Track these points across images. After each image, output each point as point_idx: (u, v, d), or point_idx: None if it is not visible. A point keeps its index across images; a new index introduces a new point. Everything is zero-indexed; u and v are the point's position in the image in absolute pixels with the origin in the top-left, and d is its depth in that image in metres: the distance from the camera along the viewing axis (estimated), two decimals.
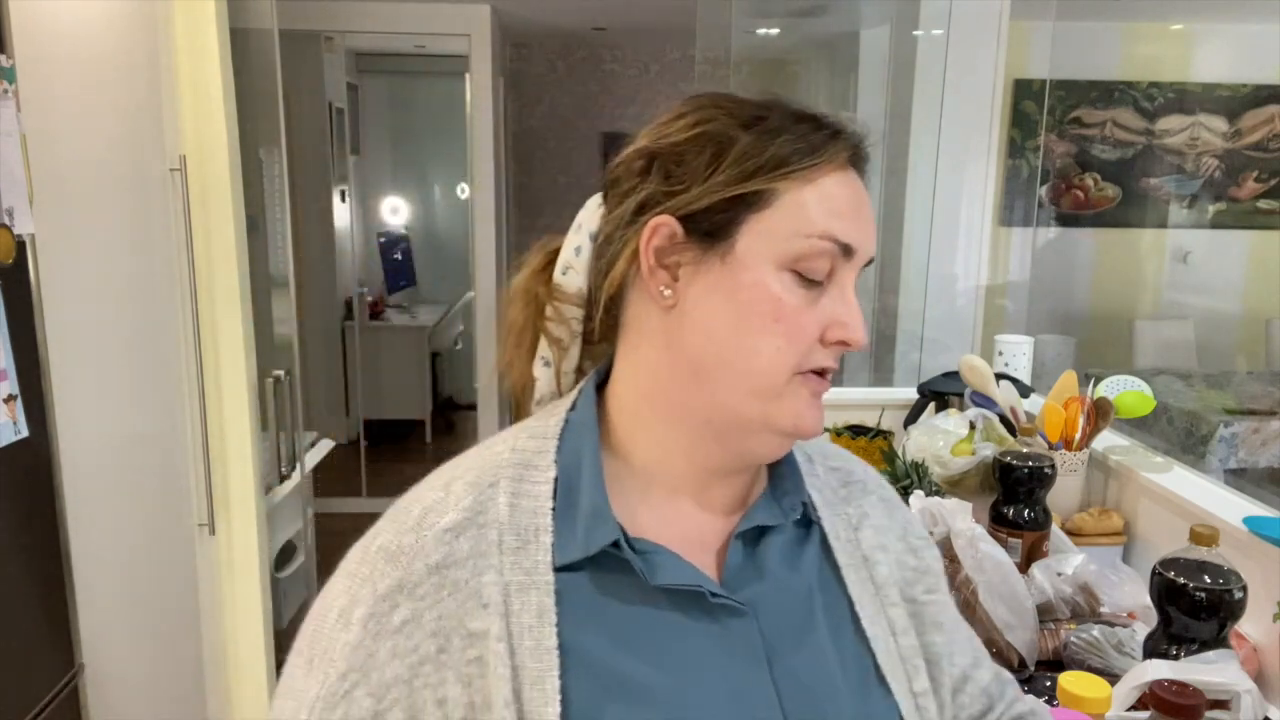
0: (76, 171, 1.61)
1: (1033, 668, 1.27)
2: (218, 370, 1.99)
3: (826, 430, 1.97)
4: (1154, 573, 1.14)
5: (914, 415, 2.02)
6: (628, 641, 0.62)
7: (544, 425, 0.69)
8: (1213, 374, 3.91)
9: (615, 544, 0.63)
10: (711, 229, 0.64)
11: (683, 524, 0.68)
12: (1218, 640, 1.11)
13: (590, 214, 0.72)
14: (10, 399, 1.37)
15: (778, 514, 0.70)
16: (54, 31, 1.54)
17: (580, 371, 0.76)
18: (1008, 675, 0.82)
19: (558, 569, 0.62)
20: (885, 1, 2.88)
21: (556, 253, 0.74)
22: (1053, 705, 1.06)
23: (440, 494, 0.65)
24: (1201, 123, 4.51)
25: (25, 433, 1.40)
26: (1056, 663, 1.29)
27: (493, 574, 0.61)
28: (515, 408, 0.78)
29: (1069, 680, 1.06)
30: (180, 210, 1.87)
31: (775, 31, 3.55)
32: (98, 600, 1.61)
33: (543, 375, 0.75)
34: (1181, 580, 1.11)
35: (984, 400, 1.83)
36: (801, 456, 0.75)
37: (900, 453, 1.71)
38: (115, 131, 1.73)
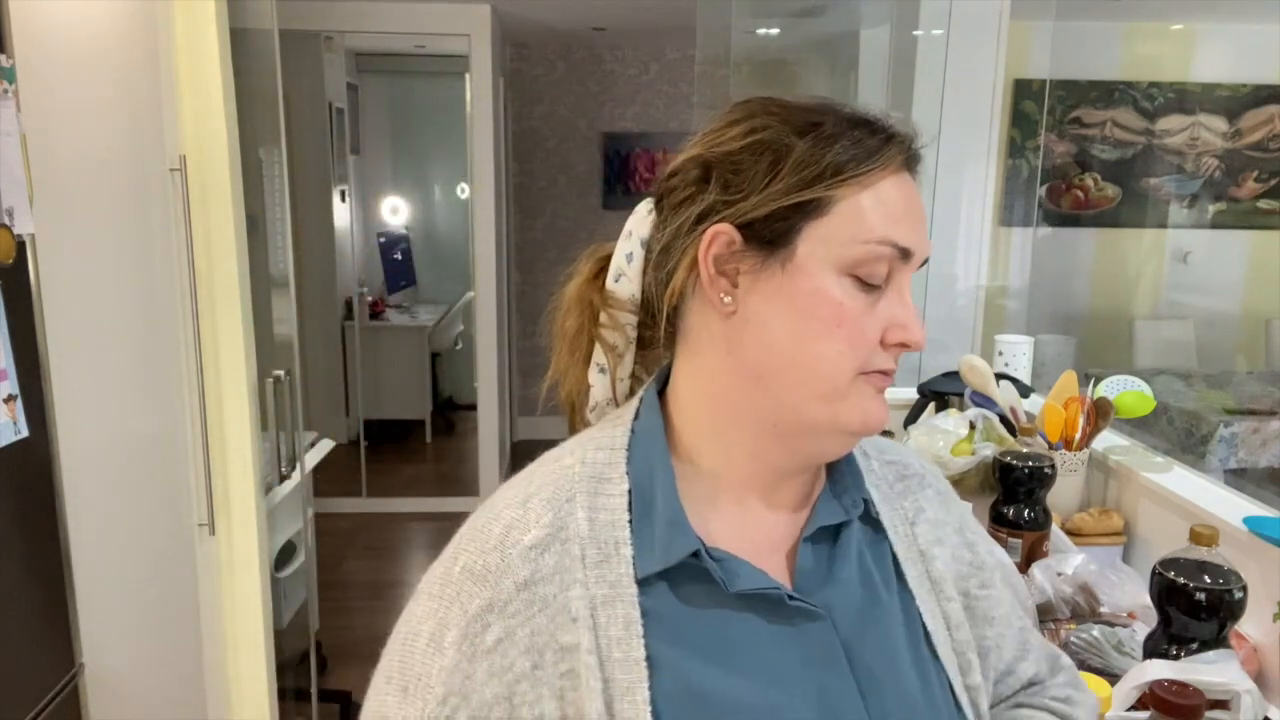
0: (76, 171, 1.61)
1: None
2: (218, 370, 1.99)
3: None
4: (1154, 573, 1.14)
5: (914, 415, 2.02)
6: (711, 649, 0.63)
7: (610, 436, 0.69)
8: (1213, 374, 3.91)
9: (694, 553, 0.63)
10: (771, 236, 0.64)
11: (752, 529, 0.69)
12: (1218, 640, 1.11)
13: (640, 220, 0.72)
14: (10, 399, 1.37)
15: (839, 511, 0.70)
16: (54, 31, 1.54)
17: (635, 378, 0.77)
18: (1066, 662, 0.83)
19: (640, 580, 0.63)
20: (885, 1, 2.88)
21: (607, 260, 0.74)
22: None
23: (519, 511, 0.65)
24: (1201, 123, 4.51)
25: (25, 433, 1.40)
26: None
27: (579, 588, 0.62)
28: (570, 416, 0.78)
29: None
30: (180, 210, 1.87)
31: (775, 31, 3.55)
32: (98, 600, 1.61)
33: (598, 382, 0.75)
34: (1181, 580, 1.11)
35: (984, 400, 1.83)
36: (857, 452, 0.76)
37: None
38: (115, 131, 1.73)
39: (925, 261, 0.68)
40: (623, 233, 0.73)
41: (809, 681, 0.64)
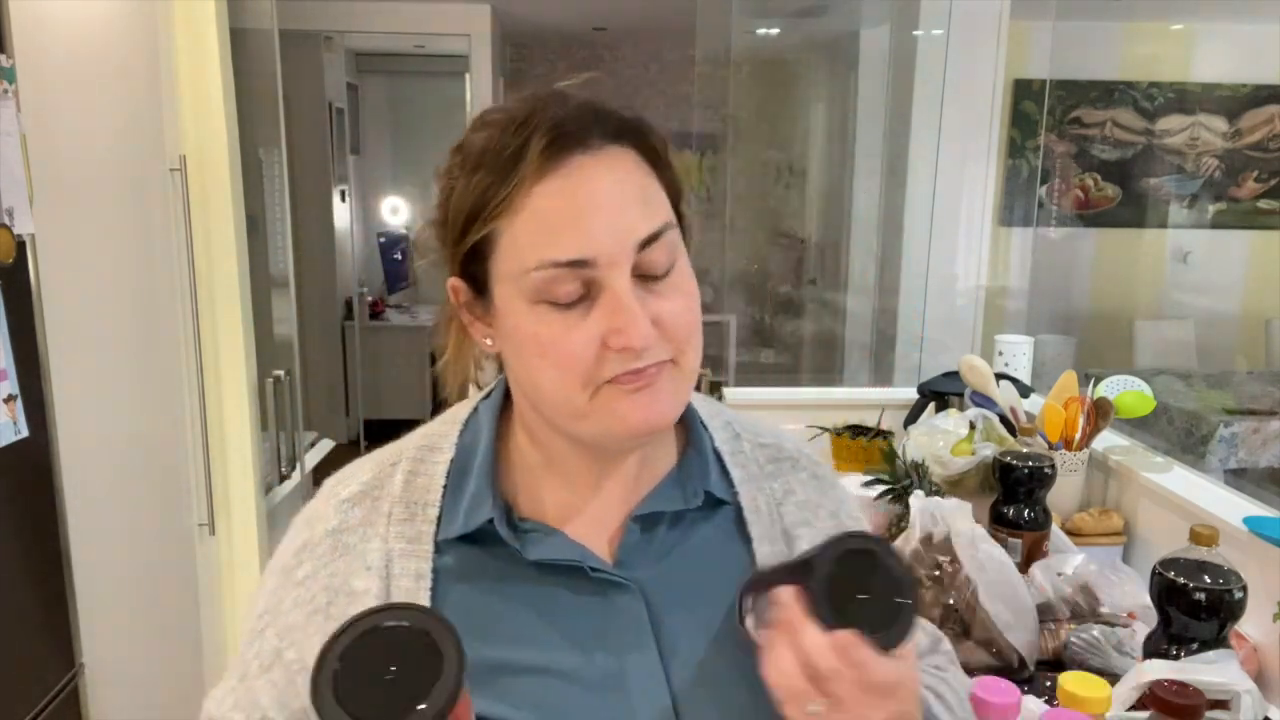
0: (76, 171, 1.61)
1: (1033, 668, 1.27)
2: (218, 370, 1.99)
3: (826, 430, 1.97)
4: (1154, 573, 1.14)
5: (914, 415, 2.02)
6: (507, 614, 0.66)
7: (457, 411, 0.75)
8: (1213, 374, 3.91)
9: (493, 521, 0.66)
10: (475, 283, 0.65)
11: (581, 506, 0.70)
12: (1218, 640, 1.11)
13: None
14: (10, 399, 1.37)
15: (678, 500, 0.71)
16: (54, 31, 1.54)
17: None
18: (946, 646, 0.84)
19: (442, 542, 0.67)
20: (885, 1, 2.88)
21: None
22: (1052, 705, 1.06)
23: (353, 469, 0.73)
24: (1201, 123, 4.51)
25: (25, 433, 1.40)
26: (1056, 663, 1.29)
27: (378, 541, 0.68)
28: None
29: (1069, 680, 1.06)
30: (180, 210, 1.87)
31: (775, 31, 3.55)
32: (98, 600, 1.61)
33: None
34: (1181, 580, 1.11)
35: (984, 400, 1.83)
36: (728, 434, 0.77)
37: (900, 453, 1.71)
38: (115, 131, 1.73)
39: (654, 236, 0.61)
40: None
41: (609, 652, 0.66)
